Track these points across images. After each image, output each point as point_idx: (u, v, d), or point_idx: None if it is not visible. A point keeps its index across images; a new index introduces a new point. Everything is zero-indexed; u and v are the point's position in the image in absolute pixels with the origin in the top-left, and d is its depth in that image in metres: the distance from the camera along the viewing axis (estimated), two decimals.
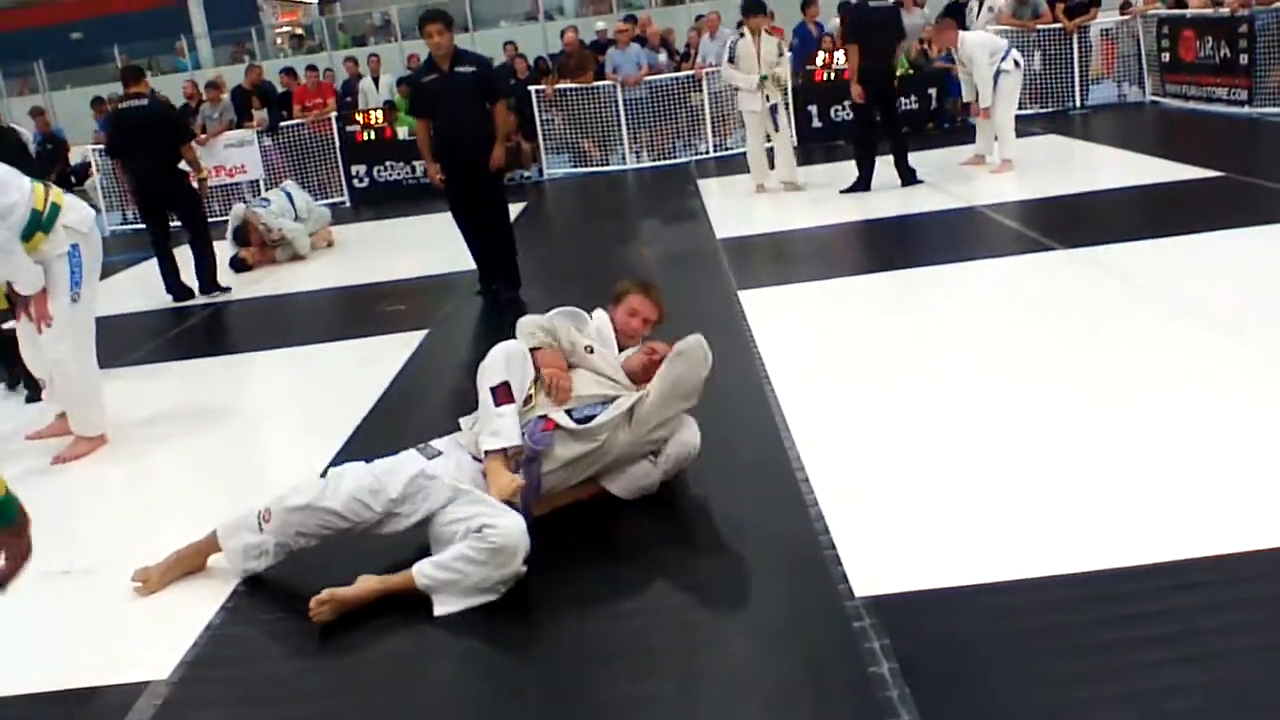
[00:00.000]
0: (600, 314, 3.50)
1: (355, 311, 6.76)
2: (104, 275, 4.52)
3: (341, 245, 9.30)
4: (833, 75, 11.51)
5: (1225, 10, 10.18)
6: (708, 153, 11.96)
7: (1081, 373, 3.85)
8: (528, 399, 3.09)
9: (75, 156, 13.03)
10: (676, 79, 12.03)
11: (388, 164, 11.92)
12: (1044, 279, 5.40)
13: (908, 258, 6.27)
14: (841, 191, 8.39)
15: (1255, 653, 2.17)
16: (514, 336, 3.22)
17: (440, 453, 2.99)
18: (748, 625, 2.58)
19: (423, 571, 2.70)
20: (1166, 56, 11.21)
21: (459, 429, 3.17)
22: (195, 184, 7.62)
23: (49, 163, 11.18)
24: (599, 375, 3.22)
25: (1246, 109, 9.88)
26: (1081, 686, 2.11)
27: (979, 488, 3.03)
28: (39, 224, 4.05)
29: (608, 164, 12.18)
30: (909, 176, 8.36)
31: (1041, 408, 3.56)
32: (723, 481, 3.31)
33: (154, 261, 7.61)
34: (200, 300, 7.48)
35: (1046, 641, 2.28)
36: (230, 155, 11.90)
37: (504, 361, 3.05)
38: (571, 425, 3.05)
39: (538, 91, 12.00)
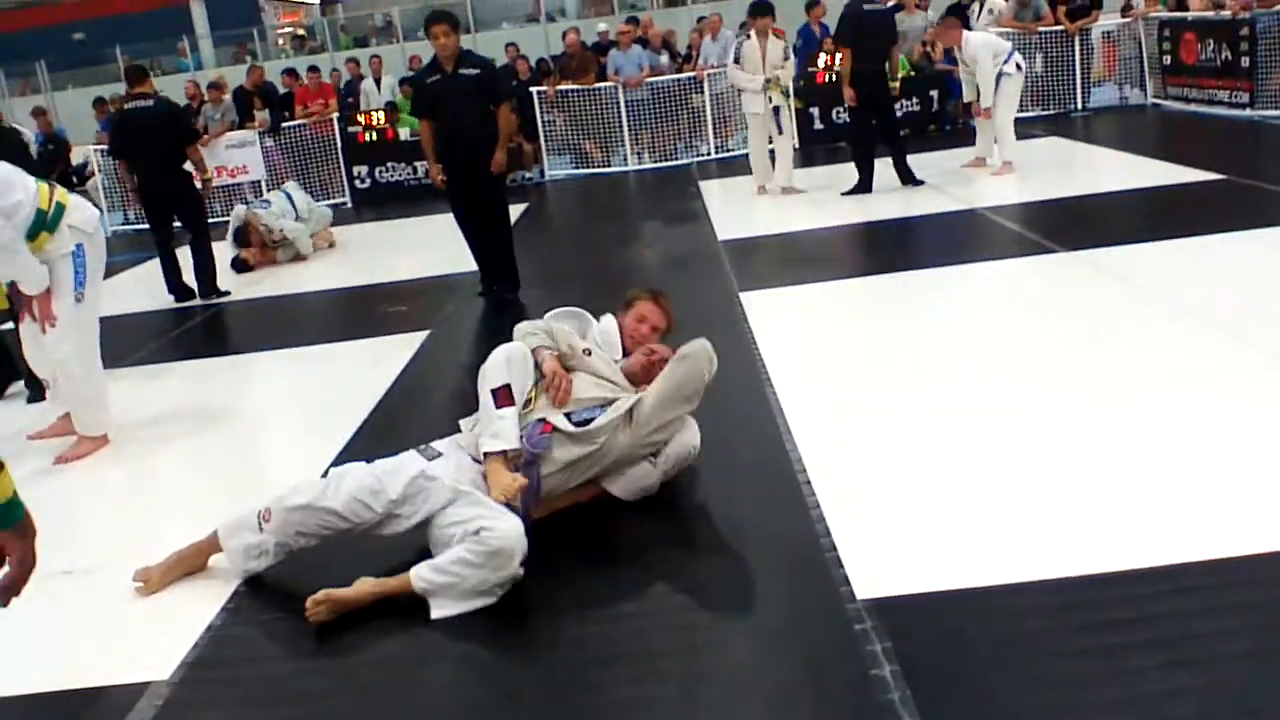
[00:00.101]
0: (609, 319, 3.51)
1: (357, 312, 6.77)
2: (106, 275, 4.51)
3: (343, 246, 9.31)
4: (833, 77, 11.47)
5: (1226, 13, 10.18)
6: (709, 154, 11.96)
7: (1082, 375, 3.85)
8: (527, 401, 3.09)
9: (77, 157, 13.06)
10: (678, 80, 12.03)
11: (389, 165, 11.92)
12: (1045, 281, 5.41)
13: (909, 260, 6.28)
14: (843, 194, 8.38)
15: (1253, 657, 2.17)
16: (513, 339, 3.23)
17: (440, 454, 2.99)
18: (748, 627, 2.57)
19: (420, 575, 2.70)
20: (1168, 59, 11.22)
21: (459, 430, 3.17)
22: (199, 184, 7.62)
23: (50, 163, 11.21)
24: (598, 378, 3.22)
25: (1248, 112, 9.87)
26: (1081, 689, 2.11)
27: (980, 490, 3.03)
28: (44, 223, 4.06)
29: (609, 165, 12.18)
30: (909, 178, 8.36)
31: (1042, 410, 3.56)
32: (723, 483, 3.31)
33: (156, 261, 7.63)
34: (201, 301, 7.50)
35: (1047, 644, 2.28)
36: (232, 156, 11.91)
37: (505, 364, 3.06)
38: (570, 428, 3.05)
39: (539, 93, 12.00)
